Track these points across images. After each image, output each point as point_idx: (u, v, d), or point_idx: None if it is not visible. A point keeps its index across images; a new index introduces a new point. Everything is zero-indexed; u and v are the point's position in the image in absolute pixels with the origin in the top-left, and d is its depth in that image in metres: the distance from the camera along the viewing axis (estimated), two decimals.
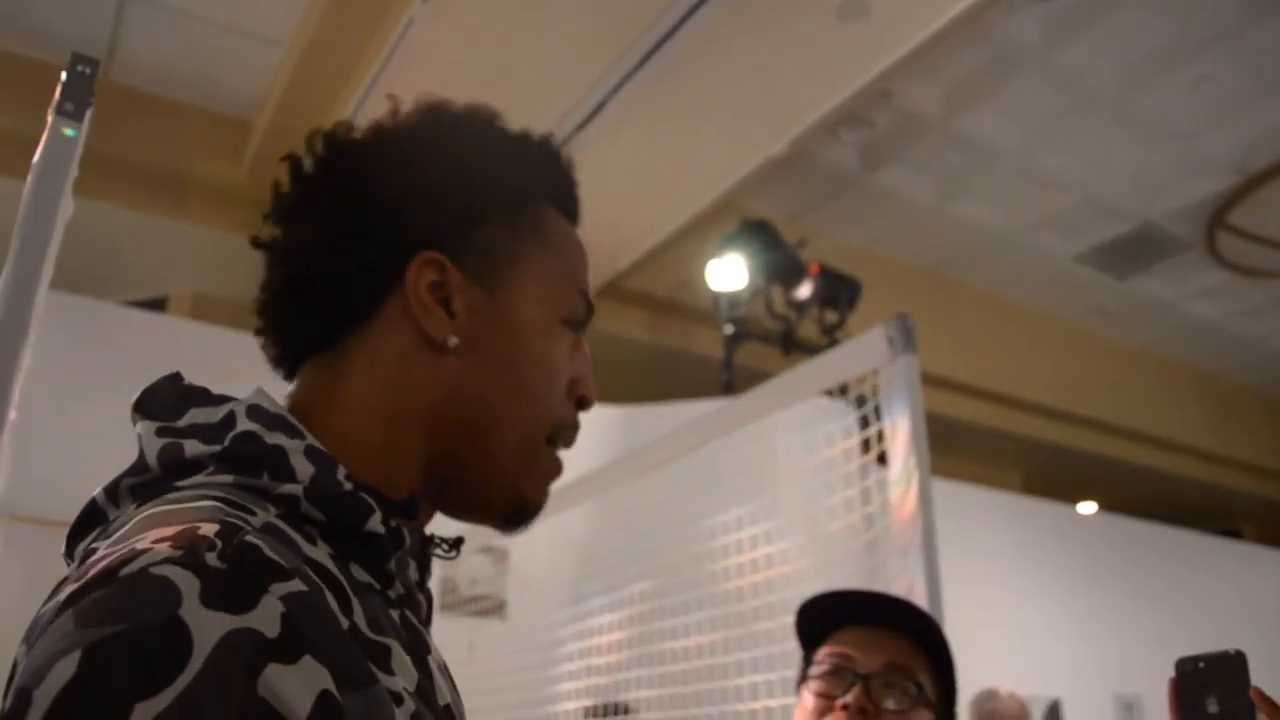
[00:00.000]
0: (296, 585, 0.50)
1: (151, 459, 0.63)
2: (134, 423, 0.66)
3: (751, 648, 2.12)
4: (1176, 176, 5.91)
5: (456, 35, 3.95)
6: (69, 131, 1.51)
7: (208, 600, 0.47)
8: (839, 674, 1.32)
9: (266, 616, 0.48)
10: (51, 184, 1.43)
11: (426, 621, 0.72)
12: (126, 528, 0.56)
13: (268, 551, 0.51)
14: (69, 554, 0.65)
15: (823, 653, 1.35)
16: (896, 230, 6.47)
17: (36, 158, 1.44)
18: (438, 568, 4.26)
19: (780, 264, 5.28)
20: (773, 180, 5.61)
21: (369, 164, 0.73)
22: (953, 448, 7.55)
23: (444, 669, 0.70)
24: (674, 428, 2.65)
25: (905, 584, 1.76)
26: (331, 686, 0.48)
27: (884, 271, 6.43)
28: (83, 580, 0.50)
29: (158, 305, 5.54)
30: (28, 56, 4.54)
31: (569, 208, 0.82)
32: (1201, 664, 0.83)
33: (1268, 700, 0.82)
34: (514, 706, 3.15)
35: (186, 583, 0.47)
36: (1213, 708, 0.81)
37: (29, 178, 1.43)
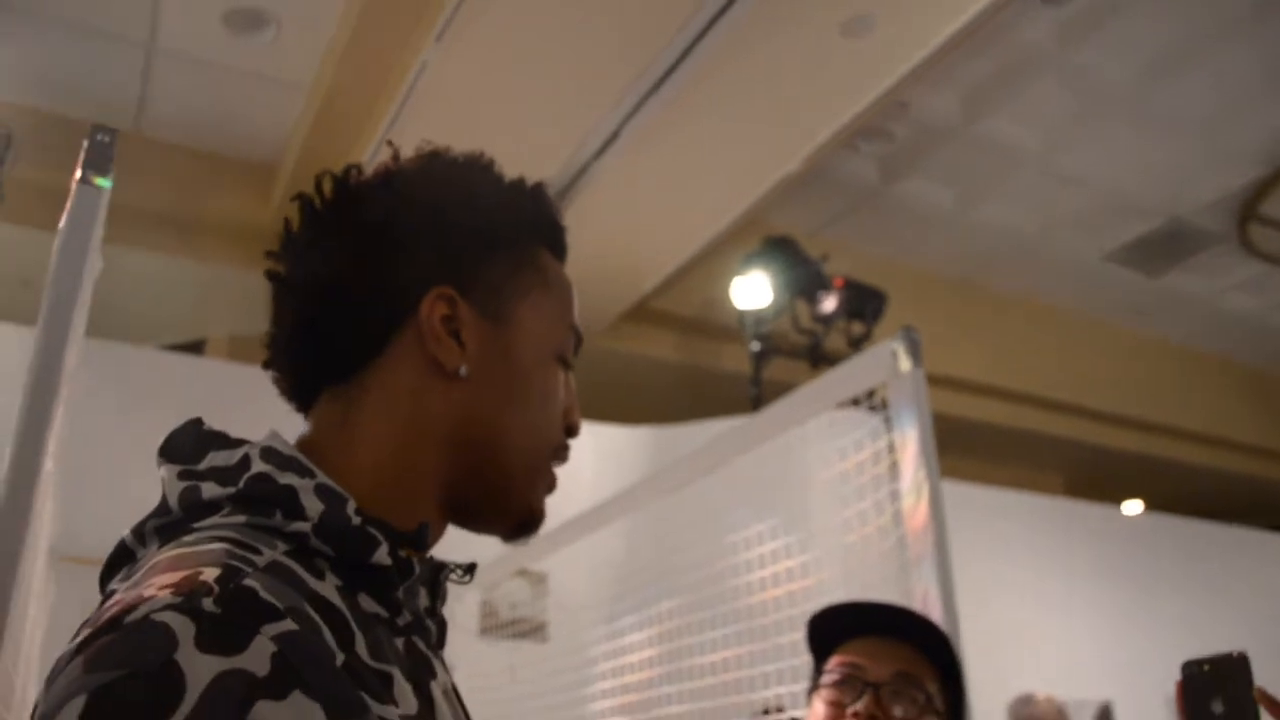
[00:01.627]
0: (288, 625, 0.55)
1: (173, 501, 0.68)
2: (159, 467, 0.71)
3: (777, 660, 2.15)
4: (1203, 170, 5.86)
5: (471, 72, 4.03)
6: (102, 183, 1.58)
7: (202, 644, 0.51)
8: (849, 683, 1.35)
9: (257, 657, 0.52)
10: (77, 247, 1.50)
11: (438, 646, 0.76)
12: (141, 573, 0.60)
13: (263, 594, 0.56)
14: (102, 591, 0.69)
15: (833, 662, 1.38)
16: (921, 239, 6.47)
17: (63, 223, 1.52)
18: (476, 592, 4.32)
19: (804, 279, 5.31)
20: (794, 196, 5.64)
21: (379, 202, 0.78)
22: (992, 453, 7.50)
23: (450, 692, 0.74)
24: (697, 446, 2.69)
25: (921, 593, 1.78)
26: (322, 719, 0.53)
27: (911, 281, 6.42)
28: (95, 626, 0.55)
29: (196, 348, 5.65)
30: (59, 114, 4.68)
31: (559, 251, 0.87)
32: (1206, 666, 0.85)
33: (1270, 699, 0.84)
34: None
35: (183, 628, 0.52)
36: (1218, 708, 0.83)
37: (56, 242, 1.50)
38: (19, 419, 1.38)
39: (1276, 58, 4.99)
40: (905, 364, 1.93)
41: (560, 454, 0.82)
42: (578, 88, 4.23)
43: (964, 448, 7.18)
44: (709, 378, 6.52)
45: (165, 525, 0.68)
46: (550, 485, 0.82)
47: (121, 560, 0.69)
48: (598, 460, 4.64)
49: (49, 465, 1.53)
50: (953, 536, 1.82)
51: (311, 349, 0.77)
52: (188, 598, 0.54)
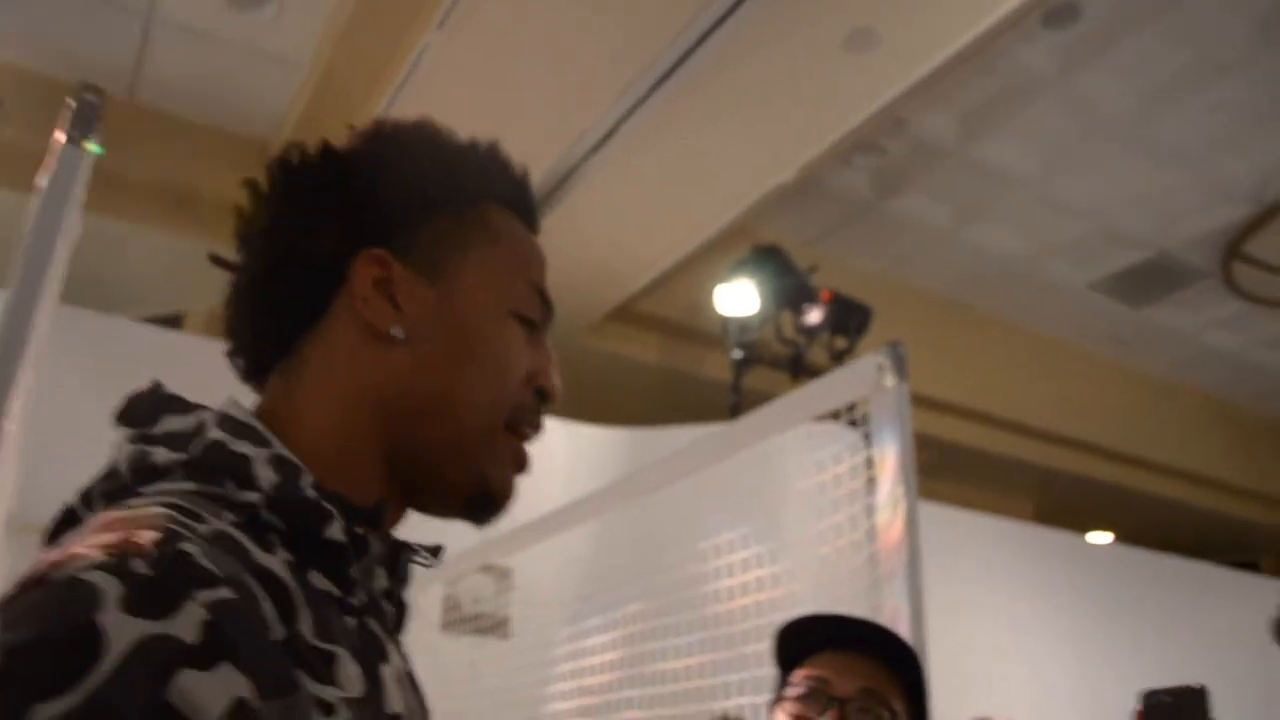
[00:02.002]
0: (224, 593, 0.52)
1: (122, 465, 0.65)
2: (114, 429, 0.68)
3: (741, 670, 2.13)
4: (1193, 204, 5.89)
5: (469, 61, 4.01)
6: (93, 148, 1.56)
7: (128, 606, 0.48)
8: (814, 697, 1.33)
9: (187, 623, 0.49)
10: (56, 206, 1.48)
11: (396, 629, 0.73)
12: (77, 533, 0.57)
13: (200, 559, 0.53)
14: None
15: (799, 675, 1.37)
16: (911, 257, 6.48)
17: (44, 180, 1.49)
18: (439, 586, 4.29)
19: (791, 290, 5.30)
20: (787, 207, 5.64)
21: (316, 177, 0.77)
22: (964, 474, 7.52)
23: (404, 677, 0.71)
24: (674, 451, 2.67)
25: (890, 610, 1.77)
26: (249, 694, 0.49)
27: (898, 298, 6.43)
28: (20, 584, 0.52)
29: (174, 322, 5.60)
30: (52, 78, 4.62)
31: (522, 210, 0.84)
32: (1168, 697, 0.85)
33: None
34: None
35: (110, 588, 0.49)
36: None
37: (35, 200, 1.47)
38: None
39: (1276, 92, 5.01)
40: (889, 379, 1.92)
41: (525, 418, 0.77)
42: (577, 83, 4.21)
43: (936, 468, 7.20)
44: (689, 383, 6.51)
45: (112, 490, 0.65)
46: (518, 461, 0.77)
47: (66, 525, 0.65)
48: (572, 459, 4.61)
49: (12, 428, 1.51)
50: (925, 556, 1.81)
51: (252, 324, 0.76)
52: (119, 557, 0.51)
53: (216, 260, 0.79)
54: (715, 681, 2.23)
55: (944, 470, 7.19)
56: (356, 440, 0.72)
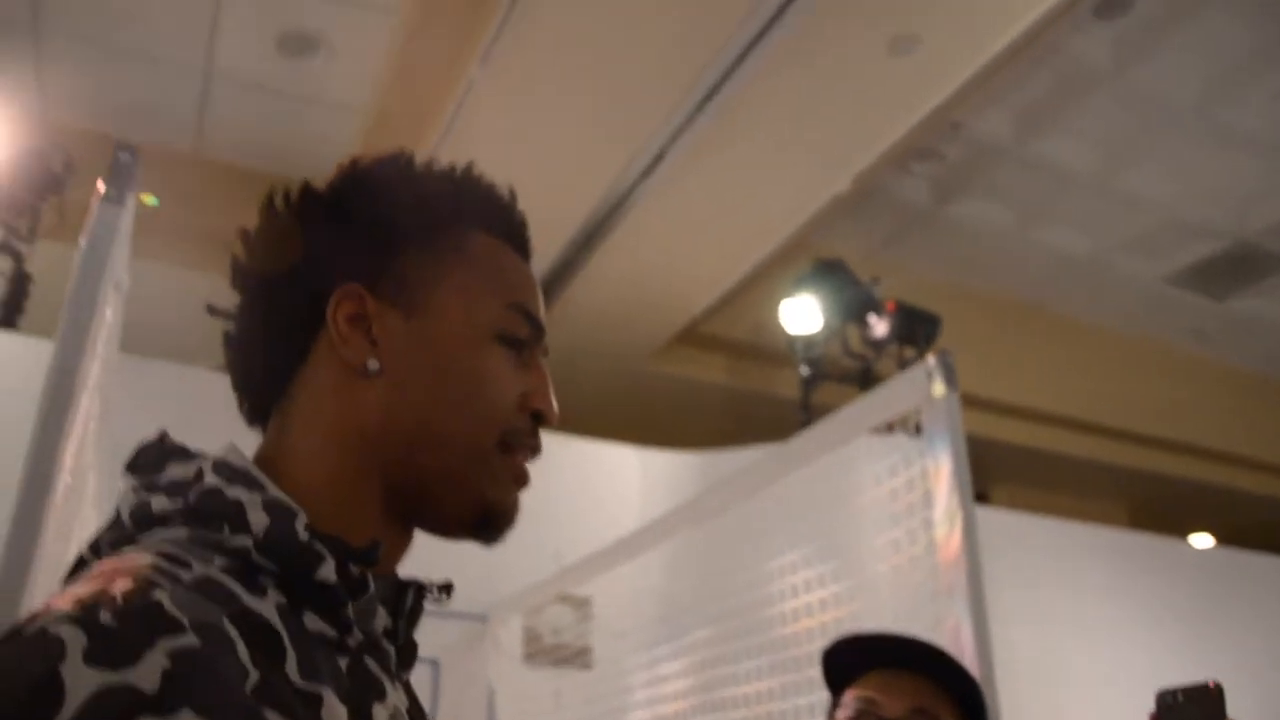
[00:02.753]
0: (188, 640, 0.52)
1: (125, 514, 0.67)
2: (121, 479, 0.70)
3: (809, 694, 2.09)
4: (1269, 190, 5.70)
5: (513, 96, 4.06)
6: (149, 200, 1.60)
7: (89, 657, 0.49)
8: (863, 718, 1.31)
9: (147, 672, 0.49)
10: (96, 262, 1.51)
11: (401, 668, 0.73)
12: (65, 584, 0.59)
13: (169, 607, 0.53)
14: None
15: (848, 696, 1.34)
16: (976, 262, 6.36)
17: (83, 240, 1.53)
18: (516, 617, 4.29)
19: (855, 302, 5.23)
20: (846, 218, 5.58)
21: (288, 219, 0.78)
22: (1051, 482, 7.34)
23: (401, 714, 0.70)
24: (733, 472, 2.65)
25: (952, 625, 1.72)
26: None
27: (967, 304, 6.31)
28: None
29: None
30: (120, 137, 4.77)
31: (506, 232, 0.83)
32: (1181, 696, 0.83)
33: None
34: None
35: (73, 639, 0.50)
36: None
37: (76, 258, 1.52)
38: (32, 432, 1.39)
39: None
40: (939, 388, 1.87)
41: (517, 439, 0.77)
42: (623, 109, 4.23)
43: (1022, 475, 7.03)
44: (760, 402, 6.45)
45: (116, 539, 0.67)
46: (518, 477, 0.77)
47: (78, 573, 0.67)
48: (643, 485, 4.60)
49: (68, 479, 1.54)
50: (1004, 567, 1.76)
51: (247, 368, 0.78)
52: (87, 610, 0.52)
53: (213, 311, 0.81)
54: (785, 706, 2.19)
55: (1029, 477, 7.02)
56: (348, 477, 0.72)
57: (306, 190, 0.79)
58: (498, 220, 0.83)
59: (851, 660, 1.37)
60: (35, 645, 0.50)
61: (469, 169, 0.82)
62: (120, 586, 0.54)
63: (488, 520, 0.76)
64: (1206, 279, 6.49)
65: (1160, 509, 8.03)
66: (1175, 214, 5.89)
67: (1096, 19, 4.46)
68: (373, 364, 0.73)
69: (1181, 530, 7.47)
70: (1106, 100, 5.03)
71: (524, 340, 0.79)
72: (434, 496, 0.74)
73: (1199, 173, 5.55)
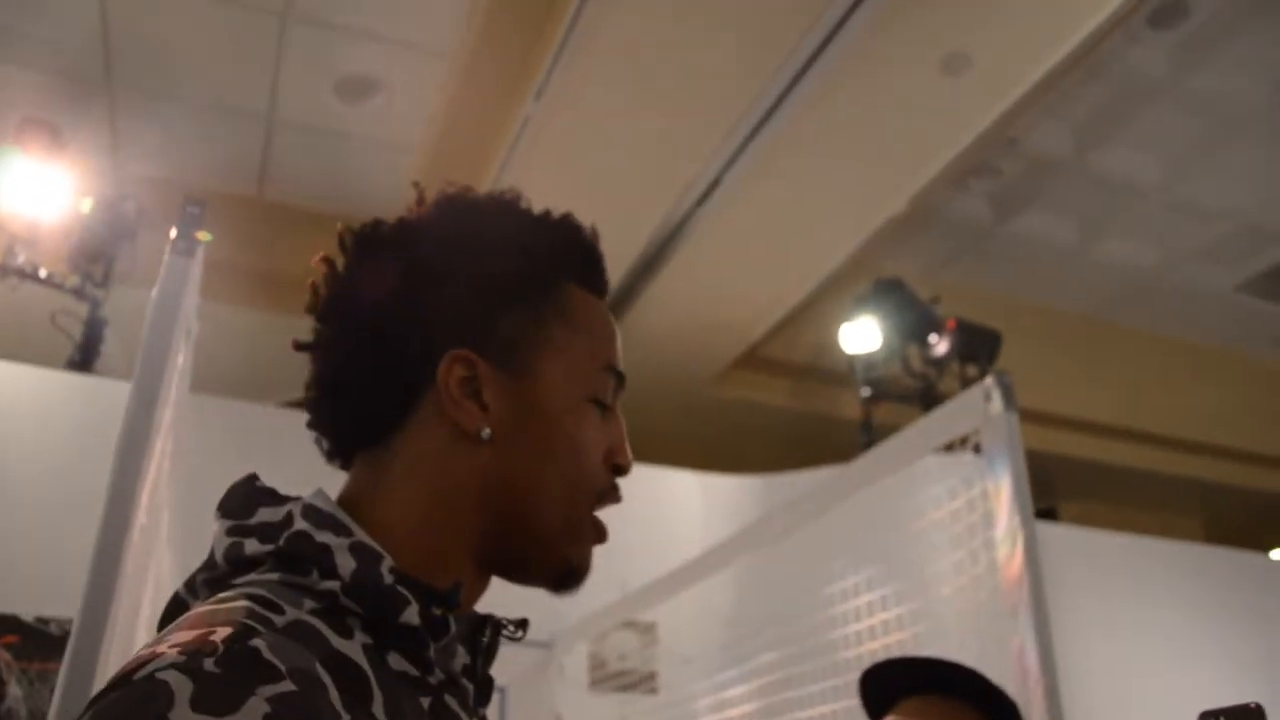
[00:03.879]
0: (285, 687, 0.56)
1: (219, 556, 0.71)
2: (214, 521, 0.73)
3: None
4: None
5: (569, 130, 4.12)
6: (204, 237, 1.67)
7: (196, 704, 0.53)
8: None
9: (249, 718, 0.53)
10: (169, 314, 1.58)
11: (479, 704, 0.76)
12: (170, 628, 0.63)
13: (266, 654, 0.57)
14: None
15: None
16: (1038, 277, 6.28)
17: (155, 291, 1.60)
18: (581, 644, 4.30)
19: (915, 322, 5.19)
20: (905, 237, 5.55)
21: (392, 264, 0.78)
22: (1123, 497, 7.18)
23: None
24: (796, 495, 2.65)
25: (1017, 645, 1.70)
26: None
27: (1032, 320, 6.22)
28: (111, 681, 0.57)
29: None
30: (189, 184, 4.93)
31: (595, 283, 0.84)
32: (1223, 718, 0.82)
33: None
34: None
35: (181, 687, 0.53)
36: None
37: (149, 308, 1.58)
38: (110, 474, 1.45)
39: None
40: (997, 407, 1.86)
41: (607, 497, 0.80)
42: (678, 136, 4.27)
43: (1092, 491, 6.89)
44: (823, 424, 6.41)
45: (211, 579, 0.71)
46: (599, 535, 0.80)
47: (176, 613, 0.71)
48: (706, 510, 4.60)
49: (143, 518, 1.60)
50: (1073, 583, 1.74)
51: (338, 416, 0.79)
52: (191, 656, 0.55)
53: (299, 346, 0.81)
54: None
55: (1101, 493, 6.88)
56: (442, 531, 0.75)
57: (405, 229, 0.81)
58: (590, 272, 0.84)
59: (887, 686, 1.37)
60: (145, 692, 0.54)
61: (565, 216, 0.83)
62: (220, 634, 0.58)
63: (567, 578, 0.79)
64: (1278, 286, 6.33)
65: (1238, 522, 7.81)
66: (1244, 220, 5.77)
67: (1152, 29, 4.41)
68: (485, 432, 0.75)
69: (1261, 544, 7.26)
70: (1167, 109, 4.95)
71: (609, 401, 0.81)
72: (525, 559, 0.78)
73: (1266, 178, 5.43)
